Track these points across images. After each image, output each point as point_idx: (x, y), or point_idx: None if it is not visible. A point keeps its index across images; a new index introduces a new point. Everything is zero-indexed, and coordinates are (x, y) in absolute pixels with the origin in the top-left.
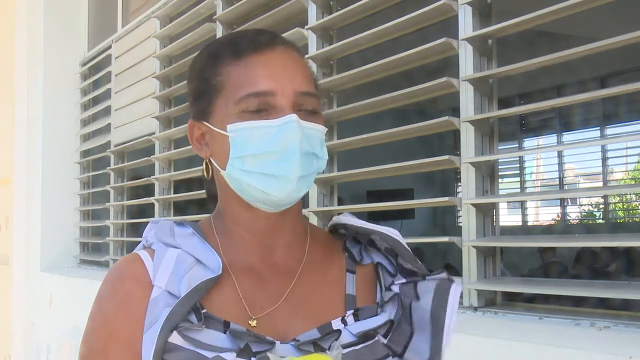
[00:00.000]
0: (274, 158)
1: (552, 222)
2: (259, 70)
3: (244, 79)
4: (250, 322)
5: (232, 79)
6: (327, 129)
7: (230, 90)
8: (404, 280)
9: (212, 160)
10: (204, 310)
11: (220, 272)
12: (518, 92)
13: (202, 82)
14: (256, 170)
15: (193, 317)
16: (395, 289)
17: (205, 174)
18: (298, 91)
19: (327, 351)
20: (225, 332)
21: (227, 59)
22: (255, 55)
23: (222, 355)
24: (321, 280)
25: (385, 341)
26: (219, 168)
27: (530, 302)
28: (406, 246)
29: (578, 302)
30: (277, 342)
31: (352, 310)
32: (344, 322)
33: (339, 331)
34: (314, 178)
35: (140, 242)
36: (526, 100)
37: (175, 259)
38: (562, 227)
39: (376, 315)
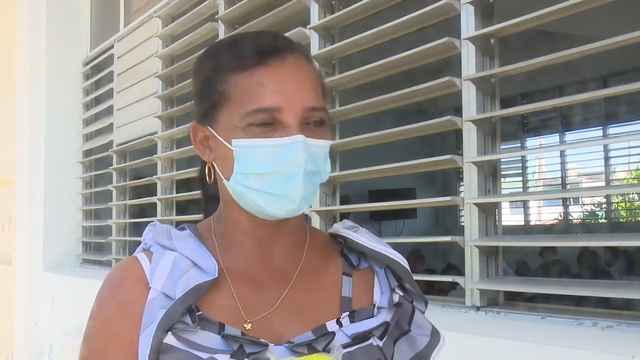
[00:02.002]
0: (277, 178)
1: (555, 221)
2: (267, 85)
3: (251, 92)
4: (245, 325)
5: (239, 90)
6: (332, 141)
7: (237, 101)
8: (402, 294)
9: (215, 165)
10: (199, 312)
11: (217, 275)
12: (520, 92)
13: (207, 86)
14: (259, 189)
15: (188, 319)
16: (396, 298)
17: (207, 178)
18: (306, 107)
19: (327, 352)
20: (219, 334)
21: (234, 68)
22: (264, 67)
23: (216, 356)
24: (317, 284)
25: (380, 343)
26: (221, 175)
27: (533, 301)
28: (409, 270)
29: (580, 301)
30: (271, 344)
31: (348, 312)
32: (339, 323)
33: (333, 333)
34: (315, 192)
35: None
36: (528, 100)
37: (172, 261)
38: (564, 227)
39: (372, 317)
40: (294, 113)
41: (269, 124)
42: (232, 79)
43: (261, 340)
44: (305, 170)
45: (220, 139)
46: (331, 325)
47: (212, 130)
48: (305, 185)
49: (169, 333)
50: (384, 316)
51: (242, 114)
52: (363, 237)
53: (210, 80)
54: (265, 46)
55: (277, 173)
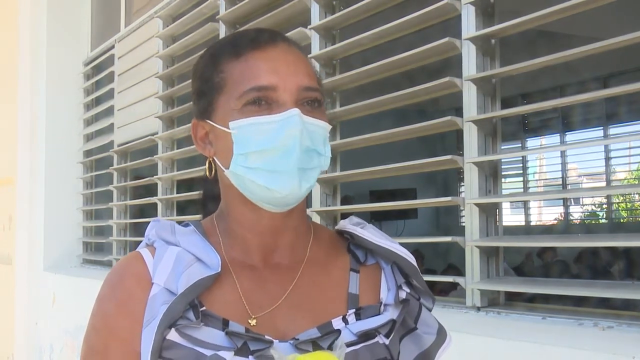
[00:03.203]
0: (276, 153)
1: (555, 222)
2: (261, 65)
3: (245, 74)
4: (250, 321)
5: (233, 75)
6: (330, 127)
7: (232, 86)
8: (409, 291)
9: (216, 159)
10: (203, 308)
11: (219, 269)
12: (521, 92)
13: (204, 81)
14: (259, 167)
15: (191, 315)
16: (403, 294)
17: (207, 173)
18: (301, 86)
19: (330, 350)
20: (223, 330)
21: (228, 57)
22: (257, 51)
23: (220, 353)
24: (323, 280)
25: (387, 342)
26: (222, 167)
27: (533, 302)
28: (416, 267)
29: (581, 302)
30: (276, 341)
31: (354, 310)
32: (345, 321)
33: (338, 330)
34: (317, 174)
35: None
36: (529, 100)
37: (175, 256)
38: (565, 227)
39: (379, 314)
40: (289, 91)
41: (264, 103)
42: (227, 67)
43: (266, 337)
44: (301, 144)
45: (219, 126)
46: (337, 323)
47: (211, 123)
48: (301, 158)
49: (172, 329)
50: (391, 313)
51: (238, 95)
52: (370, 234)
53: (207, 75)
54: (255, 35)
55: (276, 149)
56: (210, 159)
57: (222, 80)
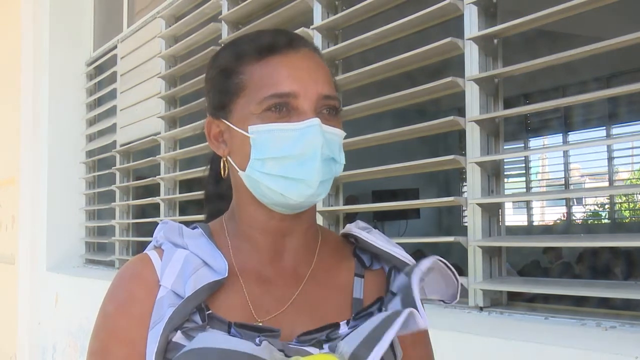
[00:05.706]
0: (295, 161)
1: (558, 222)
2: (283, 72)
3: (267, 79)
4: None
5: (254, 78)
6: (345, 134)
7: (253, 90)
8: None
9: (230, 159)
10: (209, 312)
11: (226, 274)
12: (523, 92)
13: (223, 80)
14: (276, 173)
15: (197, 318)
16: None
17: (222, 172)
18: (321, 94)
19: (331, 352)
20: (229, 333)
21: (250, 58)
22: (279, 56)
23: None
24: (329, 285)
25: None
26: (236, 168)
27: (536, 302)
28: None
29: (584, 302)
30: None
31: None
32: (348, 325)
33: (339, 329)
34: (331, 182)
35: (147, 242)
36: (531, 100)
37: (183, 260)
38: (567, 227)
39: None
40: (309, 99)
41: (285, 109)
42: (247, 68)
43: (273, 328)
44: (322, 154)
45: (236, 128)
46: (341, 327)
47: (227, 123)
48: (322, 169)
49: (178, 332)
50: None
51: (258, 100)
52: (375, 238)
53: (225, 74)
54: (279, 38)
55: (294, 157)
56: (224, 159)
57: (242, 82)
